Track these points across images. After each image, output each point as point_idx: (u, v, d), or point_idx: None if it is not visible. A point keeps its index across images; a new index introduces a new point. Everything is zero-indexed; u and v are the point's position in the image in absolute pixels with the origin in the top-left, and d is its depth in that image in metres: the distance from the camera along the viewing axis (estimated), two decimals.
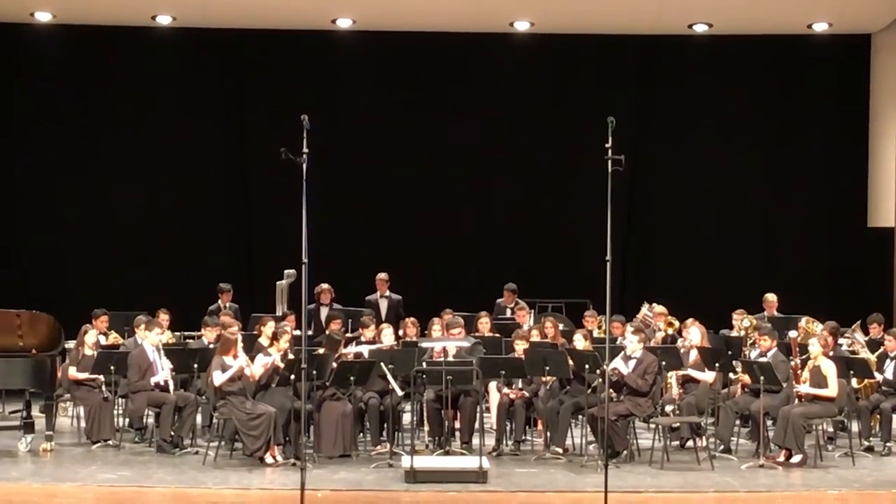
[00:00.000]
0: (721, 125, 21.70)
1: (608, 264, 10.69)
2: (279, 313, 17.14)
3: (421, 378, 14.46)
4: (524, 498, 12.43)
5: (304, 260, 10.57)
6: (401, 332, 16.42)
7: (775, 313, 17.79)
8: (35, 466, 13.73)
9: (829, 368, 14.03)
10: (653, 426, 14.75)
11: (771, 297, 18.09)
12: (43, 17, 20.73)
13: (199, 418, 15.08)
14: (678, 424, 14.74)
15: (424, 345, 15.18)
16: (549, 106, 21.71)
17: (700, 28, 21.05)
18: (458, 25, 21.05)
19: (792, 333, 15.16)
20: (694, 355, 15.00)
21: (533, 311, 18.54)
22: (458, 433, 14.76)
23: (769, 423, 14.41)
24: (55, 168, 21.39)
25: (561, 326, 16.58)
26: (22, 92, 21.43)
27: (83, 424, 15.18)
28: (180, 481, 12.93)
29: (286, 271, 17.83)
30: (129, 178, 21.45)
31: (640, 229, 21.88)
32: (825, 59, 21.66)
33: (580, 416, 14.58)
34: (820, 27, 20.99)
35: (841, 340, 15.78)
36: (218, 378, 13.74)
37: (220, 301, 18.42)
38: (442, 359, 14.75)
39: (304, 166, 10.53)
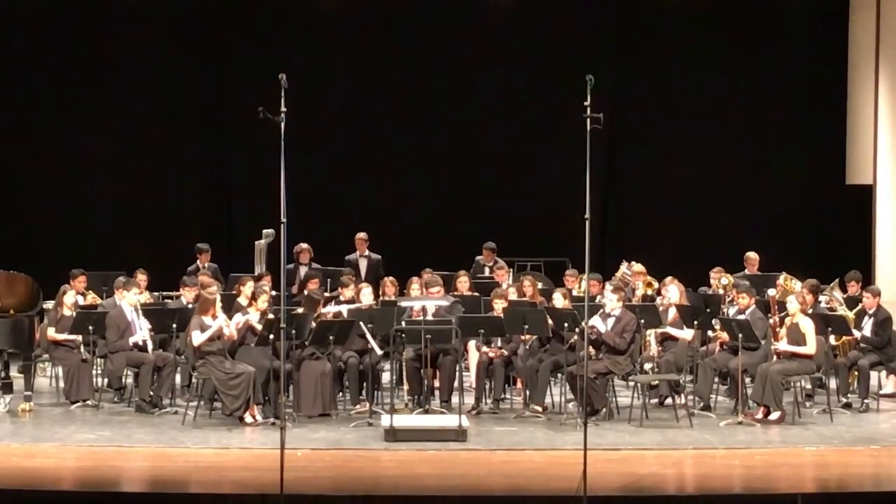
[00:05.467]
0: (699, 83, 21.63)
1: (587, 223, 10.67)
2: (258, 273, 17.11)
3: (400, 337, 14.45)
4: (503, 456, 12.46)
5: (283, 219, 10.54)
6: (380, 292, 16.39)
7: (757, 272, 17.81)
8: (14, 427, 13.73)
9: (807, 326, 14.07)
10: (632, 384, 14.79)
11: (753, 256, 18.05)
12: None
13: (178, 378, 15.06)
14: (657, 382, 14.78)
15: (404, 304, 15.18)
16: (528, 63, 21.61)
17: None
18: None
19: (770, 291, 15.19)
20: (672, 313, 15.04)
21: (512, 269, 18.53)
22: (437, 392, 14.78)
23: (747, 380, 14.47)
24: (29, 126, 21.22)
25: (540, 285, 16.57)
26: None
27: (62, 385, 15.16)
28: (160, 441, 12.95)
29: (264, 231, 17.79)
30: (105, 137, 21.30)
31: (620, 188, 21.86)
32: (804, 16, 21.64)
33: (559, 375, 14.61)
34: None
35: (819, 298, 15.82)
36: (197, 338, 13.73)
37: (198, 261, 18.34)
38: (421, 318, 14.75)
39: (283, 125, 10.48)
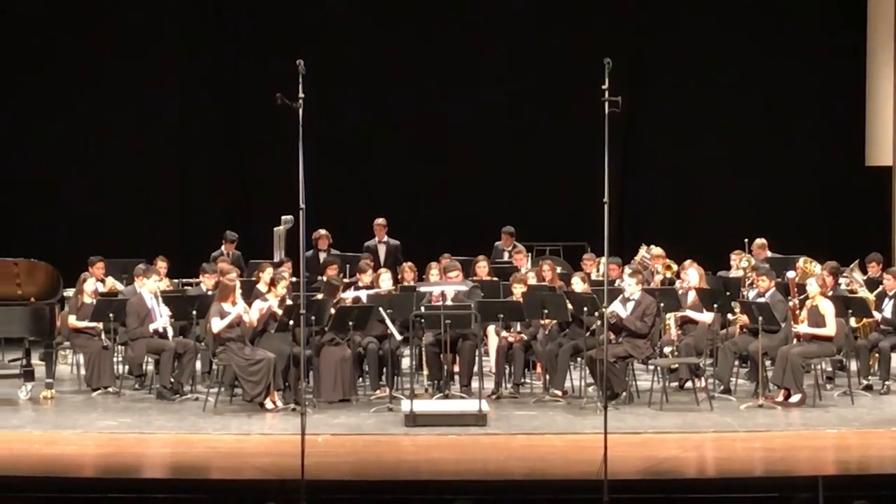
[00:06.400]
0: (717, 63, 21.58)
1: (605, 206, 10.66)
2: (277, 259, 17.12)
3: (419, 322, 14.47)
4: (523, 440, 12.47)
5: (302, 206, 10.53)
6: (399, 277, 16.40)
7: (768, 254, 17.73)
8: (35, 414, 13.79)
9: (828, 308, 14.04)
10: (651, 368, 14.78)
11: (760, 242, 17.92)
12: None
13: (198, 365, 15.11)
14: (677, 365, 14.77)
15: (423, 289, 15.18)
16: (547, 46, 21.57)
17: None
18: None
19: (790, 274, 15.16)
20: (692, 296, 15.01)
21: (531, 254, 18.52)
22: (457, 377, 14.80)
23: (768, 363, 14.43)
24: (47, 114, 21.28)
25: (559, 269, 16.57)
26: (9, 31, 21.28)
27: (83, 372, 15.21)
28: (180, 427, 12.99)
29: (283, 217, 17.79)
30: (124, 124, 21.36)
31: (638, 171, 21.83)
32: None
33: (579, 359, 14.60)
34: None
35: (839, 280, 15.77)
36: (216, 325, 13.76)
37: (223, 248, 18.34)
38: (440, 303, 14.75)
39: (300, 111, 10.48)
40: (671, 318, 15.06)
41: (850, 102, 21.50)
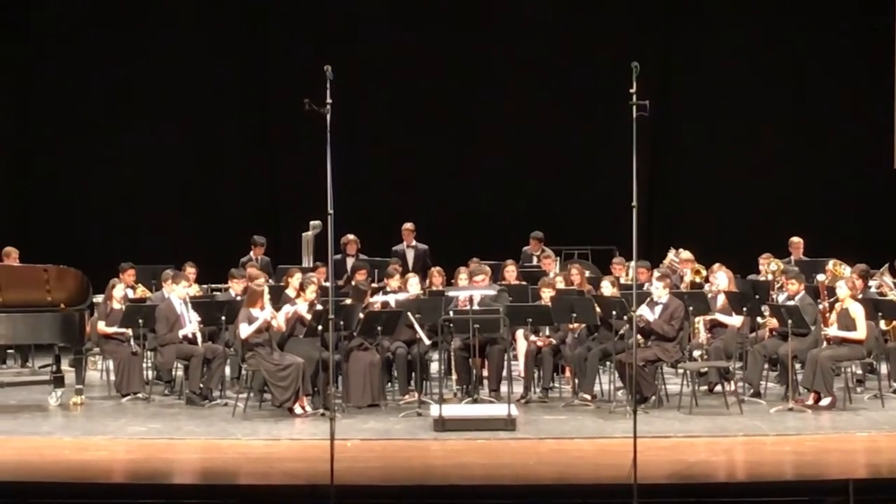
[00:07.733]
0: (745, 66, 21.55)
1: (634, 210, 10.63)
2: (305, 265, 17.13)
3: (448, 327, 14.46)
4: (553, 444, 12.44)
5: (330, 211, 10.54)
6: (427, 282, 16.40)
7: (802, 256, 17.73)
8: (65, 420, 13.83)
9: (857, 311, 13.99)
10: (681, 371, 14.73)
11: (797, 241, 17.99)
12: None
13: (227, 370, 15.14)
14: (706, 369, 14.74)
15: (450, 293, 15.17)
16: (575, 49, 21.57)
17: None
18: None
19: (820, 277, 15.10)
20: (721, 300, 14.96)
21: (559, 258, 18.51)
22: (486, 381, 14.79)
23: (798, 366, 14.38)
24: (79, 121, 21.37)
25: (587, 273, 16.55)
26: (41, 39, 21.40)
27: (112, 378, 15.25)
28: (210, 433, 13.01)
29: (312, 223, 17.83)
30: (153, 131, 21.42)
31: (666, 174, 21.80)
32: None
33: (608, 363, 14.58)
34: None
35: (869, 283, 15.71)
36: (244, 330, 13.77)
37: (252, 253, 18.39)
38: (468, 307, 14.74)
39: (328, 117, 10.49)
40: (700, 322, 15.01)
41: (878, 105, 21.41)
